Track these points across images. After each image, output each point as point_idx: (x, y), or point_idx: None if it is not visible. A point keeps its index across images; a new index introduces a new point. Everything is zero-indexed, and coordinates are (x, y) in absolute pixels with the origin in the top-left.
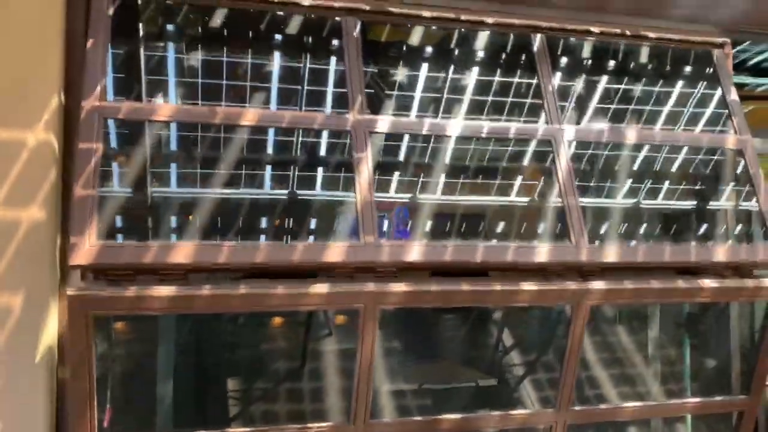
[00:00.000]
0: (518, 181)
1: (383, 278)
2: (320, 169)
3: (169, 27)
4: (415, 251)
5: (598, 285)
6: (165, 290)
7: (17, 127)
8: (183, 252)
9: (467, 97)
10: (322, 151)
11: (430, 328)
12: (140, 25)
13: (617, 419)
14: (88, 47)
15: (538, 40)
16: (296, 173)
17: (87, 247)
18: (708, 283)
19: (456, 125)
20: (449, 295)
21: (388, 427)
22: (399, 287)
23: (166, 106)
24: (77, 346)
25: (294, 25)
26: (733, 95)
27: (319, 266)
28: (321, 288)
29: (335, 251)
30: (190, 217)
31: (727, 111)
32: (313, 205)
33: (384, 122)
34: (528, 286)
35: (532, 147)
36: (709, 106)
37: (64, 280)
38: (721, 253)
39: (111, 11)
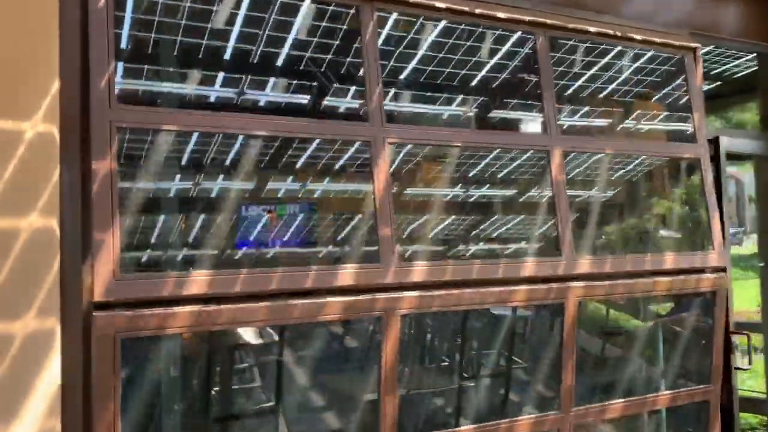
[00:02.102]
0: None
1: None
2: None
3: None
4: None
5: None
6: (190, 308)
7: (12, 117)
8: (199, 282)
9: None
10: None
11: None
12: None
13: (613, 416)
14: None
15: (540, 39)
16: None
17: (110, 280)
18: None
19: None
20: None
21: None
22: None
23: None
24: (103, 371)
25: None
26: (698, 101)
27: (331, 290)
28: (342, 298)
29: (347, 275)
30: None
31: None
32: None
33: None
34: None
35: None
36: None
37: (66, 299)
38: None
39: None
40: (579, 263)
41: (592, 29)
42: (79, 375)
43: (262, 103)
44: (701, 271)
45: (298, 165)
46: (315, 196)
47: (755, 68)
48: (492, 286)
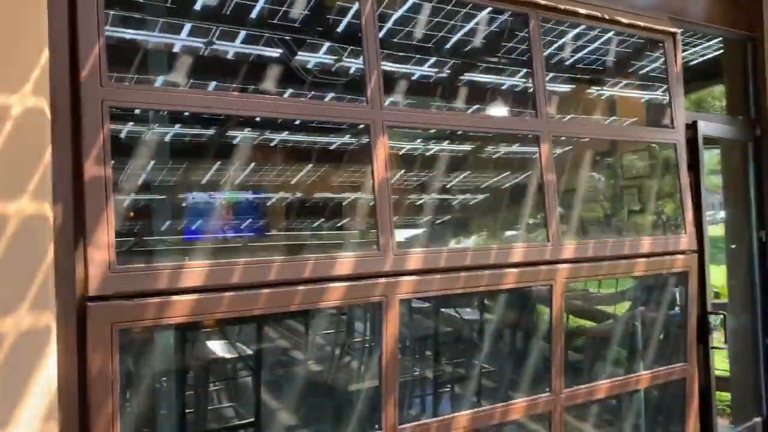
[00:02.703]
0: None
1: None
2: None
3: None
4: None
5: None
6: (189, 296)
7: None
8: (196, 274)
9: None
10: None
11: None
12: None
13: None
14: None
15: (532, 21)
16: None
17: (105, 275)
18: None
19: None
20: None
21: (410, 428)
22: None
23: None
24: (99, 364)
25: None
26: (677, 86)
27: (330, 279)
28: (343, 284)
29: (344, 264)
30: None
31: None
32: None
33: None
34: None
35: None
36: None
37: (60, 291)
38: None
39: None
40: (564, 248)
41: (582, 11)
42: (74, 373)
43: (230, 56)
44: (675, 253)
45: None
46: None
47: (715, 54)
48: (486, 270)
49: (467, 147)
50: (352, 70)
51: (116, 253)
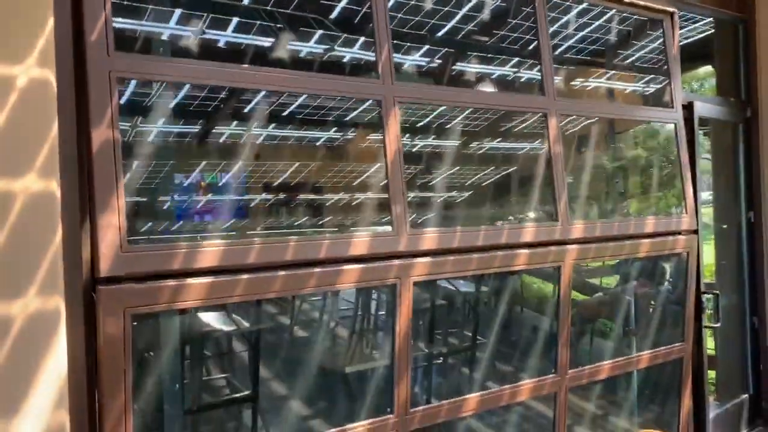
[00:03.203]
0: None
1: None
2: None
3: None
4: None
5: None
6: (203, 279)
7: (1, 59)
8: (212, 254)
9: None
10: None
11: None
12: None
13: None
14: None
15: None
16: None
17: (116, 253)
18: None
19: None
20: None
21: (422, 410)
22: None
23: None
24: (111, 353)
25: None
26: (675, 66)
27: (345, 259)
28: (358, 266)
29: (360, 244)
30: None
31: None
32: None
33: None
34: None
35: None
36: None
37: (71, 273)
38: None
39: None
40: (573, 228)
41: None
42: (82, 360)
43: (221, 44)
44: (676, 233)
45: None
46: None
47: (702, 36)
48: (498, 250)
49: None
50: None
51: (127, 233)
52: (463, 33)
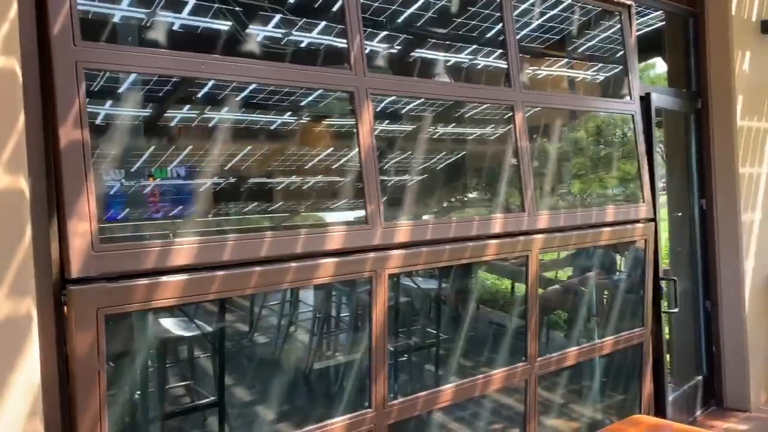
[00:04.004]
0: None
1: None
2: None
3: None
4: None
5: None
6: (178, 277)
7: None
8: (186, 252)
9: None
10: None
11: None
12: None
13: (571, 363)
14: None
15: None
16: None
17: (87, 254)
18: None
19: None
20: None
21: (399, 404)
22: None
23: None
24: (84, 354)
25: None
26: (633, 58)
27: (322, 254)
28: (334, 260)
29: (336, 238)
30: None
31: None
32: None
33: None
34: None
35: None
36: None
37: (40, 274)
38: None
39: None
40: (539, 218)
41: None
42: (53, 363)
43: (176, 27)
44: (635, 222)
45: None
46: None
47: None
48: (467, 241)
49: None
50: (303, 44)
51: (98, 231)
52: (423, 20)
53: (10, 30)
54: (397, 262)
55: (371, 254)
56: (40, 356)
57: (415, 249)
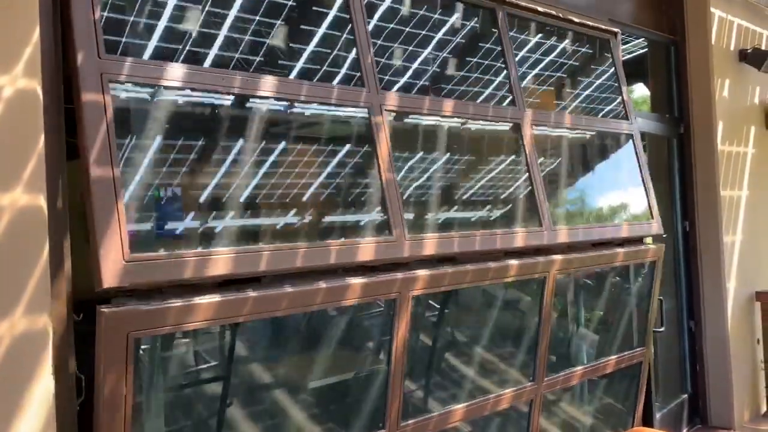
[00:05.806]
0: None
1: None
2: None
3: None
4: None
5: None
6: (209, 298)
7: None
8: (222, 262)
9: None
10: None
11: None
12: None
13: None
14: None
15: (500, 14)
16: None
17: (119, 264)
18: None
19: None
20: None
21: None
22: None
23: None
24: (112, 378)
25: None
26: (623, 81)
27: (355, 265)
28: (360, 281)
29: (367, 249)
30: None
31: (619, 98)
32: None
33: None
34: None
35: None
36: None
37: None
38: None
39: None
40: (558, 233)
41: (540, 9)
42: (70, 383)
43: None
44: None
45: None
46: None
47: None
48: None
49: None
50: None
51: (129, 248)
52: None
53: (32, 51)
54: (422, 284)
55: (399, 275)
56: (53, 374)
57: (441, 269)
